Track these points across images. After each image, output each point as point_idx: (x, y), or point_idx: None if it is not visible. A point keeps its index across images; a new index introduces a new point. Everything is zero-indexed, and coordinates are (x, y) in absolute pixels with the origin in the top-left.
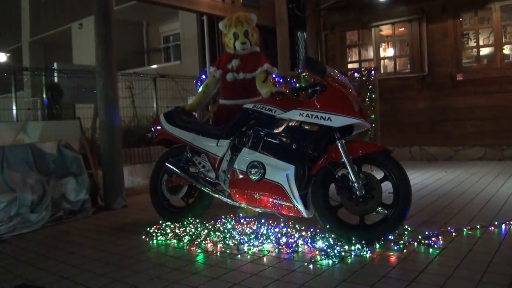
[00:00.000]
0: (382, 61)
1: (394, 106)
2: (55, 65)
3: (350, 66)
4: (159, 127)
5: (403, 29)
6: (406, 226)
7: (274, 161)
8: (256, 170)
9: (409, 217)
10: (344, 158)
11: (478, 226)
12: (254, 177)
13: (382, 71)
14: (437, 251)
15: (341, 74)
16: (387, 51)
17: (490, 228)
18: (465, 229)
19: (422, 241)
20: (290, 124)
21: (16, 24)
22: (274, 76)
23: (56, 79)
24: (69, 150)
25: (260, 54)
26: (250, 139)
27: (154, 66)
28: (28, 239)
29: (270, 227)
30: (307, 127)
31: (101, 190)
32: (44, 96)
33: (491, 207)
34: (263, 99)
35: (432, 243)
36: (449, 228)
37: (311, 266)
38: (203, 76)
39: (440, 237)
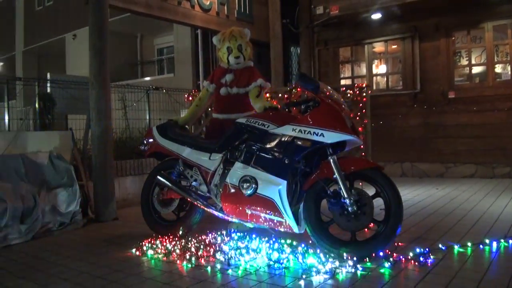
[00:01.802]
0: (374, 77)
1: (386, 123)
2: (48, 75)
3: (342, 82)
4: (151, 140)
5: (396, 46)
6: (397, 243)
7: (266, 176)
8: (248, 184)
9: (400, 233)
10: (336, 174)
11: (469, 244)
12: (246, 192)
13: (374, 87)
14: (428, 269)
15: (334, 90)
16: (380, 68)
17: (481, 245)
18: (456, 247)
19: (413, 258)
20: (282, 139)
21: (10, 34)
22: None
23: (49, 89)
24: (60, 161)
25: (254, 69)
26: (242, 153)
27: (148, 78)
28: (18, 251)
29: (261, 242)
30: (300, 143)
31: (92, 201)
32: (36, 106)
33: (482, 224)
34: (257, 113)
35: (423, 261)
36: (440, 245)
37: (302, 282)
38: (194, 91)
39: (431, 255)
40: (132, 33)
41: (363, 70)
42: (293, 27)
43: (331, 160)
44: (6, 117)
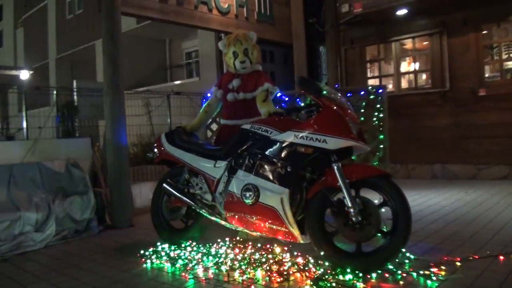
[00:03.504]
0: (402, 76)
1: (415, 123)
2: (74, 83)
3: (370, 82)
4: (160, 147)
5: (423, 43)
6: (408, 254)
7: (268, 184)
8: (250, 193)
9: (415, 243)
10: (340, 182)
11: (485, 255)
12: (248, 201)
13: (402, 86)
14: (436, 284)
15: (338, 93)
16: (408, 66)
17: (499, 257)
18: (471, 258)
19: (422, 272)
20: (285, 145)
21: (43, 42)
22: (280, 94)
23: (75, 97)
24: (76, 169)
25: (261, 73)
26: (245, 160)
27: (177, 82)
28: (28, 259)
29: (263, 253)
30: (302, 149)
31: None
32: (58, 113)
33: (505, 233)
34: (261, 119)
35: (433, 274)
36: (454, 257)
37: None
38: (208, 95)
39: (442, 267)
40: (161, 38)
41: (391, 69)
42: (320, 27)
43: (335, 167)
44: (24, 125)
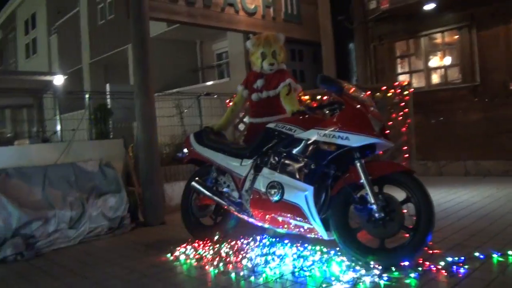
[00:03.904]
0: (433, 71)
1: (446, 119)
2: (107, 86)
3: (400, 78)
4: (189, 147)
5: (452, 37)
6: (432, 251)
7: (292, 181)
8: (275, 190)
9: (441, 239)
10: (362, 179)
11: (510, 252)
12: (272, 198)
13: (432, 82)
14: (458, 280)
15: (360, 90)
16: (437, 61)
17: None
18: (495, 255)
19: (445, 268)
20: (308, 144)
21: (77, 48)
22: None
23: (109, 100)
24: (109, 168)
25: (285, 72)
26: (270, 158)
27: (208, 83)
28: (62, 254)
29: (289, 248)
30: (326, 147)
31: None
32: (91, 116)
33: None
34: (285, 118)
35: (455, 271)
36: (477, 254)
37: None
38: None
39: (465, 264)
40: (192, 40)
41: (421, 64)
42: (349, 24)
43: (358, 164)
44: (58, 128)
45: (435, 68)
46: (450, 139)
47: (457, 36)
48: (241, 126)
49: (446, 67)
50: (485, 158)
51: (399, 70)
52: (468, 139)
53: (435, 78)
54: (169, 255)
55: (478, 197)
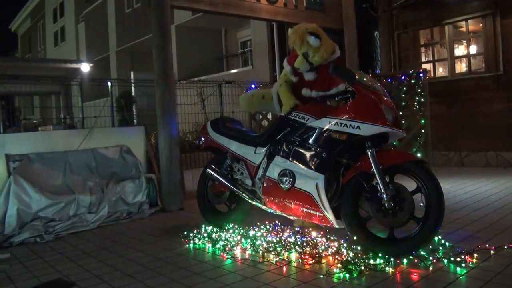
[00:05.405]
0: (457, 60)
1: (469, 109)
2: (132, 74)
3: (425, 66)
4: (206, 135)
5: (477, 25)
6: (443, 241)
7: (304, 169)
8: (286, 178)
9: (453, 230)
10: (373, 168)
11: None
12: (284, 186)
13: (456, 71)
14: (465, 270)
15: (373, 79)
16: (462, 50)
17: None
18: (506, 247)
19: (453, 259)
20: (320, 132)
21: (104, 36)
22: None
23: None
24: (129, 155)
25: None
26: (283, 147)
27: (233, 71)
28: (81, 237)
29: (299, 236)
30: (337, 136)
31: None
32: (114, 103)
33: None
34: (300, 106)
35: (464, 262)
36: (488, 245)
37: (324, 279)
38: (253, 86)
39: (475, 255)
40: (217, 28)
41: (445, 53)
42: (373, 11)
43: (369, 153)
44: (80, 114)
45: (459, 57)
46: (472, 129)
47: (481, 25)
48: (259, 117)
49: (469, 56)
50: (506, 150)
51: (424, 59)
52: (490, 130)
53: (459, 67)
54: (183, 239)
55: (496, 189)
